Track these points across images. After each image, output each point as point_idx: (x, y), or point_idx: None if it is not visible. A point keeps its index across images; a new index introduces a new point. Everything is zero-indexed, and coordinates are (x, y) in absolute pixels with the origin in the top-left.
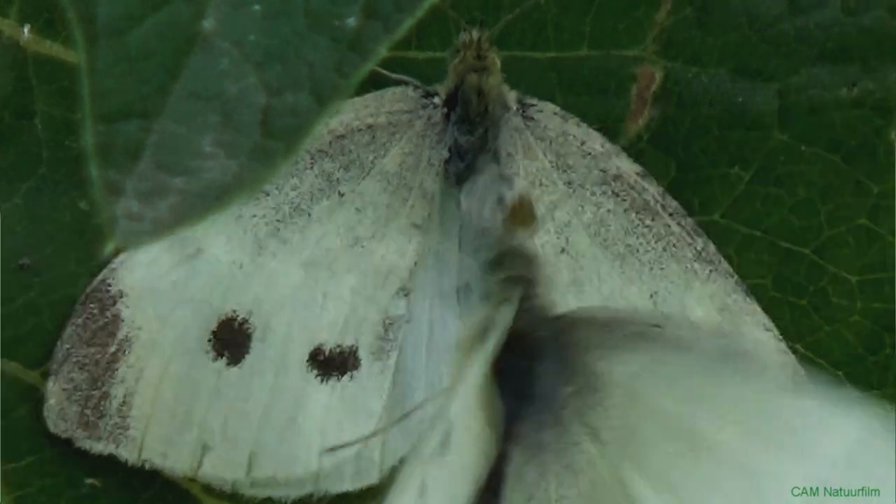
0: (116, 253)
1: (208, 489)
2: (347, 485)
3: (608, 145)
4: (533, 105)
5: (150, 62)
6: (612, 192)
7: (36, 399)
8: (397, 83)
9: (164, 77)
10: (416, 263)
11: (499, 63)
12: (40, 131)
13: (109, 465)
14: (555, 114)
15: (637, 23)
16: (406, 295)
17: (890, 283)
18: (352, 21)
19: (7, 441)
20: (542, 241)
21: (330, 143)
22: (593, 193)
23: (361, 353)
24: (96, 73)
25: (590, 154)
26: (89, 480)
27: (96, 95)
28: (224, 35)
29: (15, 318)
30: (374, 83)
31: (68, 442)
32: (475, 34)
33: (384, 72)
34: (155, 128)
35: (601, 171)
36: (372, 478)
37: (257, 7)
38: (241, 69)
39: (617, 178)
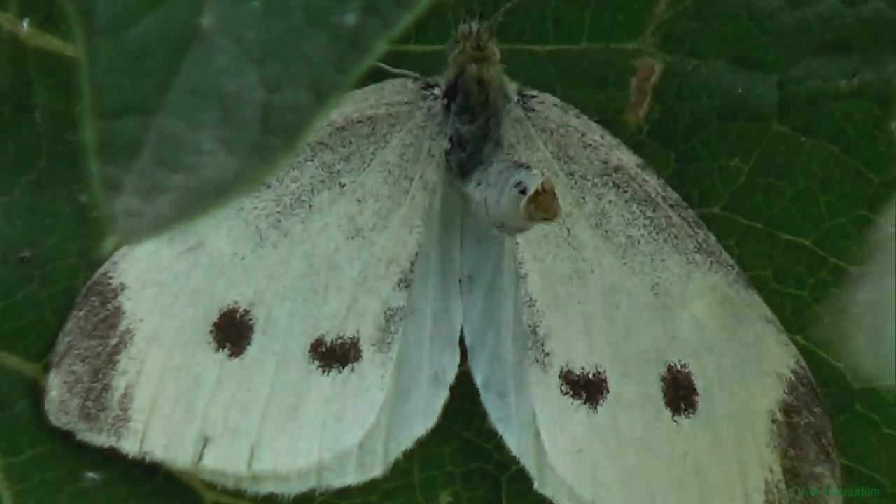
0: (117, 246)
1: (209, 483)
2: (351, 478)
3: (608, 137)
4: (534, 96)
5: (149, 59)
6: (614, 183)
7: (37, 392)
8: (397, 77)
9: (163, 73)
10: (417, 254)
11: (498, 53)
12: (40, 125)
13: (110, 459)
14: (555, 105)
15: (636, 15)
16: (407, 286)
17: None
18: (351, 17)
19: (8, 435)
20: (543, 232)
21: (330, 134)
22: (594, 185)
23: (363, 345)
24: (95, 69)
25: (590, 145)
26: (90, 474)
27: (95, 92)
28: (223, 32)
29: (15, 311)
30: (374, 76)
31: (69, 435)
32: (474, 25)
33: (384, 66)
34: (154, 124)
35: (602, 161)
36: (375, 471)
37: (256, 3)
38: (240, 66)
39: (618, 169)
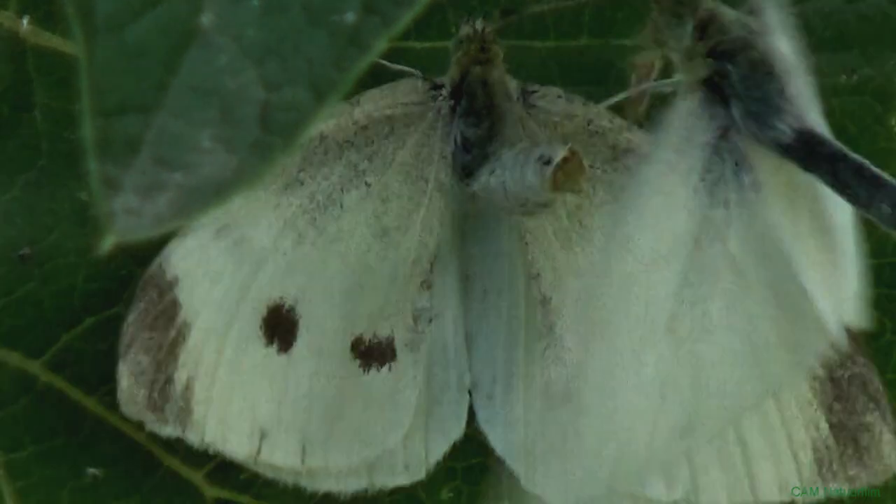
0: (117, 245)
1: (211, 479)
2: (400, 479)
3: (617, 120)
4: (535, 92)
5: (149, 57)
6: (623, 166)
7: (37, 389)
8: (398, 74)
9: (163, 72)
10: (436, 256)
11: (501, 55)
12: (39, 123)
13: (111, 456)
14: (559, 97)
15: (636, 11)
16: (429, 287)
17: (890, 268)
18: (350, 16)
19: (9, 431)
20: (553, 227)
21: (355, 133)
22: (604, 171)
23: (397, 345)
24: (95, 67)
25: (597, 132)
26: (91, 470)
27: (95, 90)
28: (222, 30)
29: (16, 309)
30: (374, 75)
31: (69, 432)
32: (478, 25)
33: (385, 63)
34: (153, 123)
35: (610, 147)
36: (420, 473)
37: (255, 2)
38: (239, 64)
39: (627, 151)
